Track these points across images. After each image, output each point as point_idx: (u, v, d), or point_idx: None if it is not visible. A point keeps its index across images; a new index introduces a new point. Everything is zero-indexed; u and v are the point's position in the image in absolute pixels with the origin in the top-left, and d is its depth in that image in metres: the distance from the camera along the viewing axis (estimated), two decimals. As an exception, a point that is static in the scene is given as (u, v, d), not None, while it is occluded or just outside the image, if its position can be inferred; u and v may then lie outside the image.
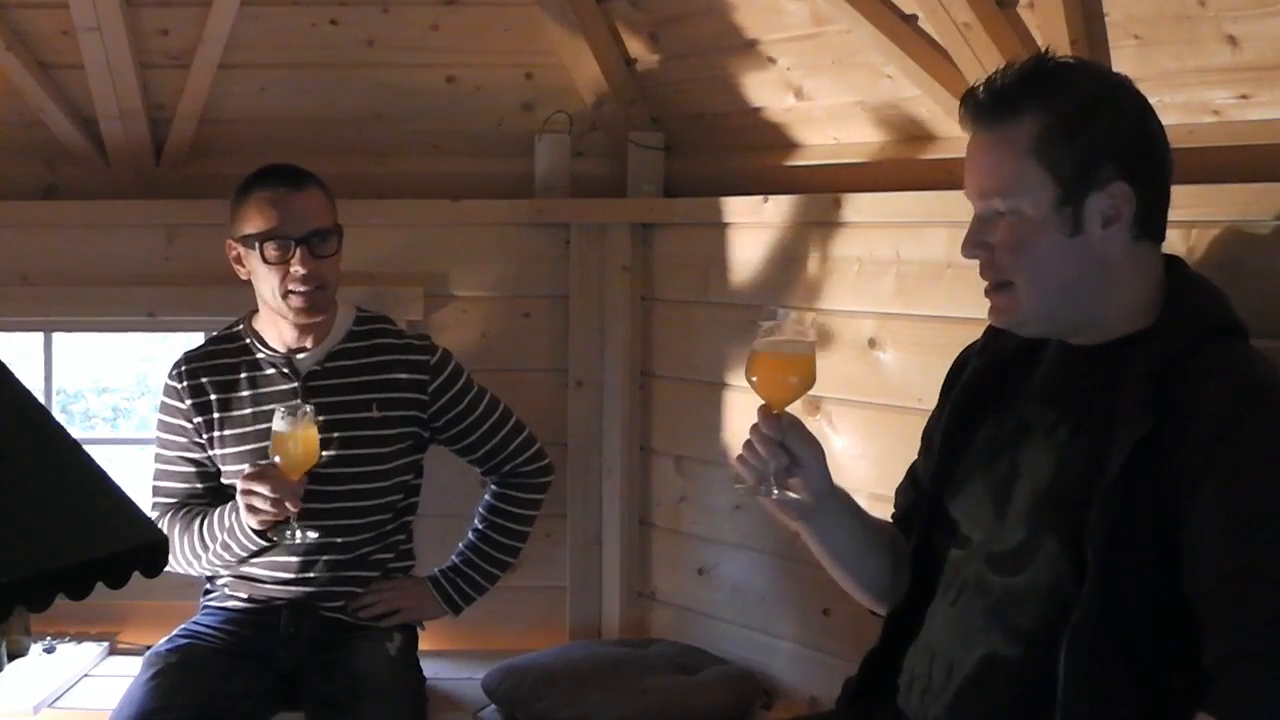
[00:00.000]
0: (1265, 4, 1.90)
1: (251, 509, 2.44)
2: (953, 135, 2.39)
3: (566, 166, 3.13)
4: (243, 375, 2.65)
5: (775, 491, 1.82)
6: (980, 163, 1.73)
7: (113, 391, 5.50)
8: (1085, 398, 1.71)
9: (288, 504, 2.42)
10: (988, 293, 1.76)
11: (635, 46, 3.01)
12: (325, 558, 2.63)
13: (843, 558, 1.95)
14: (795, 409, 1.84)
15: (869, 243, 2.57)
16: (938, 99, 2.38)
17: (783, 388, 1.82)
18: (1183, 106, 2.08)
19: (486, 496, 2.83)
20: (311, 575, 2.63)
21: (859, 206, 2.59)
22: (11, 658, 2.81)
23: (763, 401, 1.83)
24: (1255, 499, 1.52)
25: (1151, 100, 2.07)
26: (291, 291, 2.55)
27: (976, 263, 1.76)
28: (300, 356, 2.65)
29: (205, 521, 2.58)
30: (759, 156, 2.91)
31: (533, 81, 3.10)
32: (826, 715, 2.08)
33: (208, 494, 2.67)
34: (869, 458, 2.55)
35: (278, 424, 2.41)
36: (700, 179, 3.05)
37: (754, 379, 1.83)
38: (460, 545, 2.82)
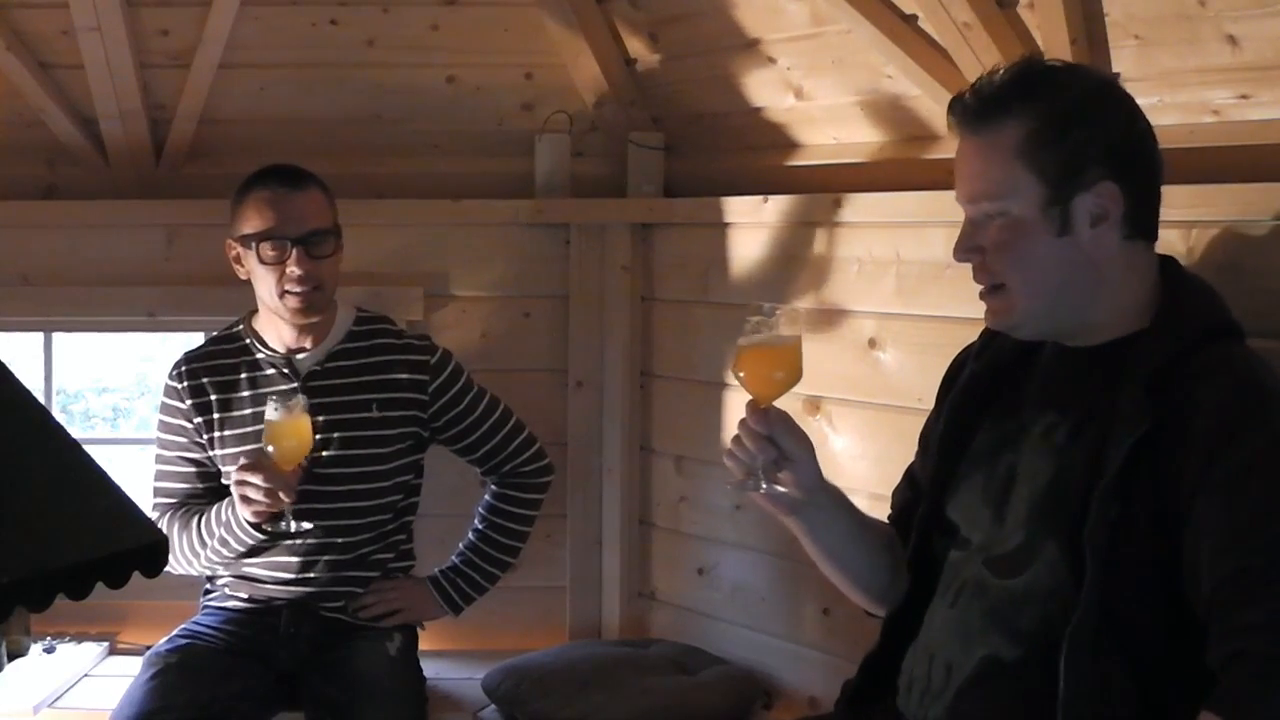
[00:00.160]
0: (1265, 4, 1.90)
1: (245, 500, 2.44)
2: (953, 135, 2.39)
3: (566, 166, 3.13)
4: (243, 375, 2.65)
5: (763, 485, 1.83)
6: (969, 167, 1.75)
7: (113, 391, 5.50)
8: (1083, 400, 1.71)
9: (281, 494, 2.42)
10: (982, 296, 1.77)
11: (635, 46, 3.01)
12: (325, 558, 2.63)
13: (835, 554, 1.96)
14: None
15: (869, 243, 2.57)
16: (938, 99, 2.38)
17: (769, 383, 1.84)
18: (1183, 106, 2.08)
19: (486, 497, 2.83)
20: (312, 575, 2.63)
21: (859, 206, 2.59)
22: (11, 658, 2.81)
23: (750, 397, 1.84)
24: (1257, 500, 1.52)
25: (1151, 100, 2.08)
26: (288, 292, 2.55)
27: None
28: (300, 356, 2.65)
29: (203, 518, 2.58)
30: (759, 156, 2.91)
31: (533, 81, 3.10)
32: (825, 718, 2.08)
33: (208, 494, 2.67)
34: (869, 458, 2.55)
35: (270, 414, 2.41)
36: (700, 179, 3.05)
37: (741, 374, 1.85)
38: (460, 545, 2.82)
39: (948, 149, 2.44)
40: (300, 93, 3.10)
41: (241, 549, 2.55)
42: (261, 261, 2.55)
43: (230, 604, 2.67)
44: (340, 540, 2.64)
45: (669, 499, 3.07)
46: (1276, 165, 1.94)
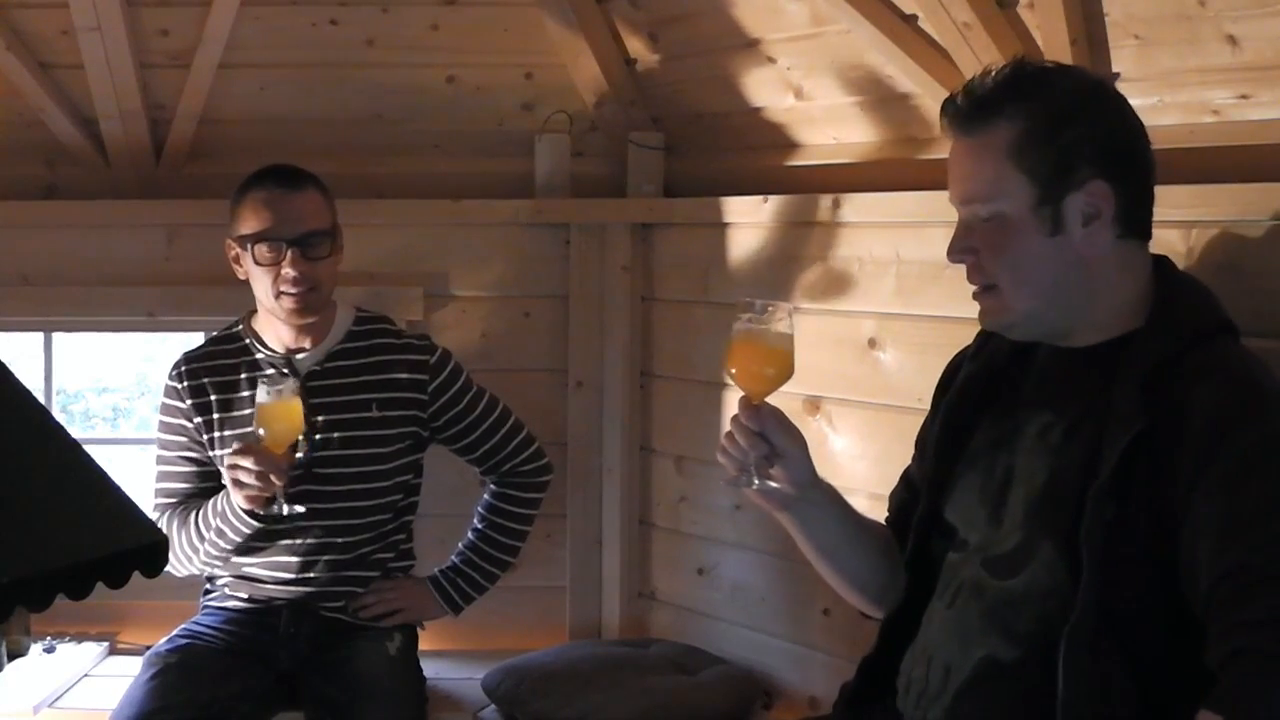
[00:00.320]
0: (1265, 4, 1.90)
1: (237, 483, 2.43)
2: (953, 135, 2.39)
3: (566, 166, 3.13)
4: (243, 375, 2.65)
5: (756, 482, 1.84)
6: (961, 168, 1.75)
7: (113, 391, 5.50)
8: (1078, 400, 1.71)
9: (273, 477, 2.41)
10: (976, 296, 1.77)
11: (635, 46, 3.01)
12: (325, 558, 2.63)
13: (829, 552, 1.96)
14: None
15: (869, 243, 2.57)
16: (938, 99, 2.36)
17: (760, 379, 1.84)
18: (1183, 106, 2.08)
19: (486, 496, 2.83)
20: (311, 575, 2.63)
21: (859, 206, 2.59)
22: (11, 658, 2.81)
23: (742, 393, 1.85)
24: (1254, 498, 1.52)
25: (1151, 100, 2.08)
26: (283, 293, 2.55)
27: None
28: (300, 356, 2.65)
29: (200, 512, 2.58)
30: (759, 156, 2.91)
31: (533, 81, 3.10)
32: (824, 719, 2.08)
33: (209, 494, 2.66)
34: (869, 458, 2.55)
35: (261, 396, 2.41)
36: (700, 179, 3.05)
37: (732, 371, 1.86)
38: (460, 545, 2.82)
39: (947, 149, 2.45)
40: (300, 93, 3.10)
41: (238, 539, 2.54)
42: (257, 262, 2.56)
43: (230, 604, 2.67)
44: (340, 540, 2.64)
45: (669, 499, 3.07)
46: (1276, 165, 1.94)
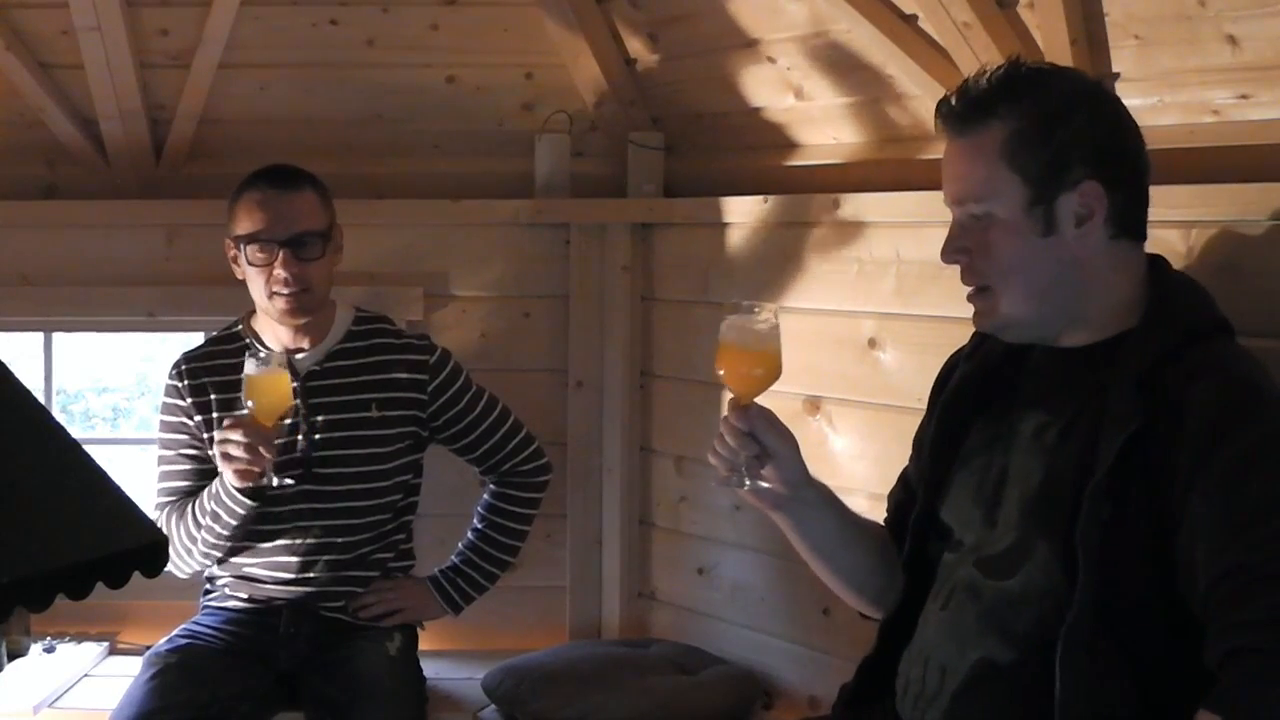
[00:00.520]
0: (1265, 4, 1.90)
1: (227, 457, 2.43)
2: (953, 135, 2.39)
3: (566, 166, 3.13)
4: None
5: (747, 482, 1.84)
6: (954, 168, 1.75)
7: (113, 391, 5.50)
8: (1073, 400, 1.71)
9: (262, 450, 2.42)
10: (970, 298, 1.77)
11: (635, 46, 3.01)
12: (325, 558, 2.63)
13: (823, 552, 1.96)
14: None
15: (869, 243, 2.57)
16: (937, 99, 2.38)
17: (749, 380, 1.85)
18: (1183, 106, 2.08)
19: (485, 496, 2.83)
20: (311, 575, 2.63)
21: (859, 206, 2.59)
22: (11, 658, 2.81)
23: (731, 394, 1.85)
24: (1250, 497, 1.52)
25: (1151, 100, 2.08)
26: (276, 293, 2.55)
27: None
28: (299, 356, 2.65)
29: (196, 501, 2.58)
30: (759, 156, 2.91)
31: (533, 81, 3.10)
32: (823, 720, 2.09)
33: (209, 492, 2.67)
34: (869, 458, 2.55)
35: (248, 368, 2.42)
36: (700, 179, 3.05)
37: (721, 372, 1.86)
38: (460, 545, 2.82)
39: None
40: (300, 93, 3.10)
41: (234, 521, 2.52)
42: (250, 263, 2.56)
43: (230, 604, 2.67)
44: (340, 540, 2.64)
45: (669, 499, 3.07)
46: (1276, 165, 1.94)
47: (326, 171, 2.68)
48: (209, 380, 2.65)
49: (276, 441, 2.48)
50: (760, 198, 2.81)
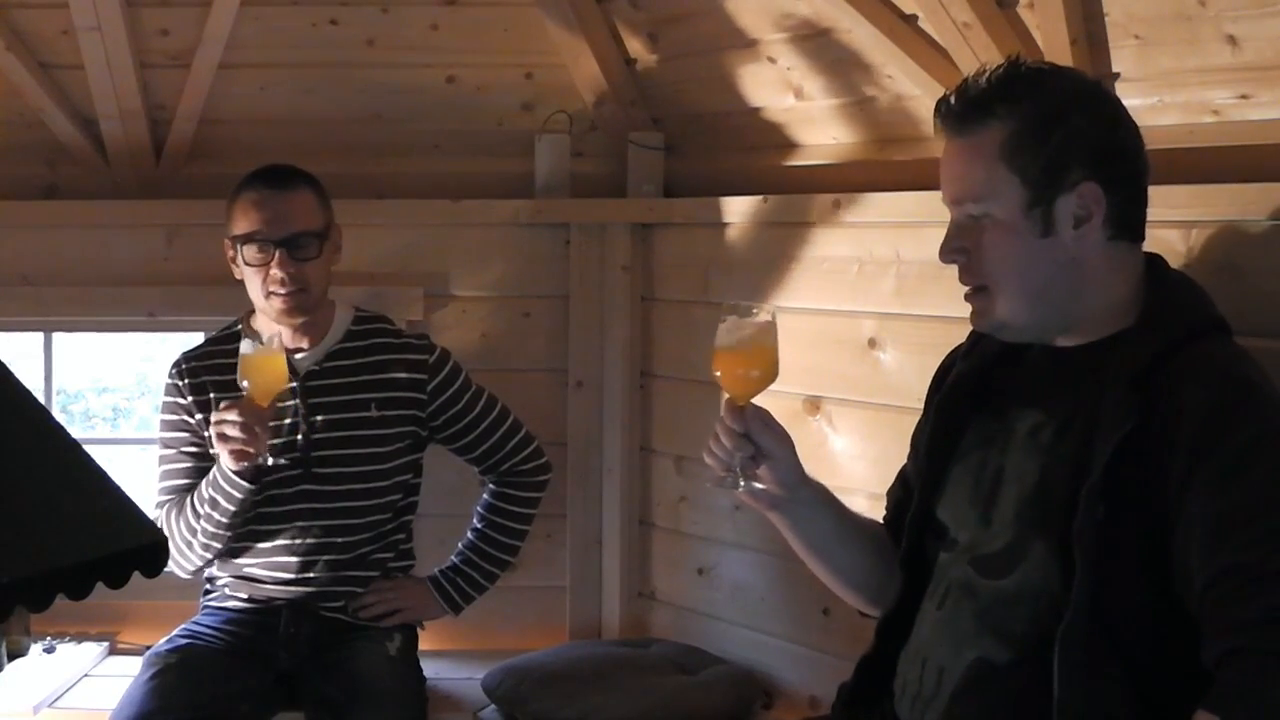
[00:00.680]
0: (1265, 4, 1.90)
1: (223, 438, 2.43)
2: (953, 135, 2.39)
3: (566, 166, 3.13)
4: (242, 375, 2.65)
5: (742, 483, 1.85)
6: (952, 169, 1.75)
7: (113, 391, 5.51)
8: (1069, 399, 1.71)
9: (257, 429, 2.42)
10: (967, 297, 1.77)
11: (635, 46, 3.01)
12: (325, 558, 2.63)
13: (820, 551, 1.97)
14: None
15: (869, 243, 2.57)
16: (937, 99, 2.38)
17: (745, 381, 1.85)
18: (1183, 106, 2.08)
19: (485, 496, 2.83)
20: (311, 575, 2.63)
21: (859, 206, 2.59)
22: (11, 658, 2.81)
23: (728, 395, 1.85)
24: (1246, 496, 1.51)
25: (1151, 100, 2.08)
26: (273, 293, 2.56)
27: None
28: (298, 356, 2.65)
29: (194, 492, 2.58)
30: (759, 156, 2.91)
31: (533, 81, 3.10)
32: (823, 720, 2.09)
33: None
34: (869, 458, 2.55)
35: (244, 349, 2.43)
36: (700, 179, 3.05)
37: (717, 373, 1.86)
38: (459, 545, 2.82)
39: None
40: (300, 93, 3.10)
41: (232, 507, 2.51)
42: (247, 263, 2.56)
43: (230, 604, 2.67)
44: (340, 540, 2.64)
45: (669, 499, 3.07)
46: (1276, 165, 1.94)
47: (326, 171, 2.68)
48: (209, 379, 2.65)
49: (273, 441, 2.48)
50: (760, 198, 2.81)
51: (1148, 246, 1.76)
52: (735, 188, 2.90)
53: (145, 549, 1.44)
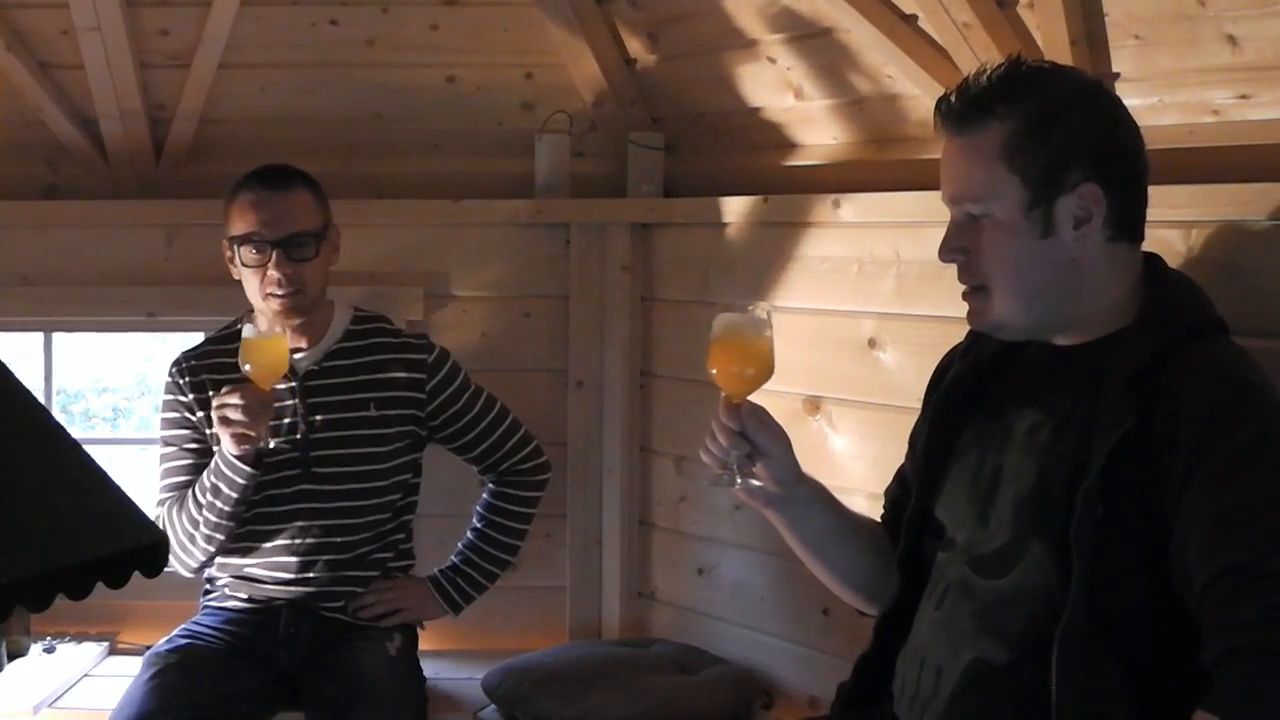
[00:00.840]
0: (1265, 4, 1.90)
1: (226, 421, 2.44)
2: (953, 135, 2.39)
3: (566, 166, 3.13)
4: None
5: (738, 480, 1.84)
6: (952, 168, 1.75)
7: (113, 391, 5.51)
8: (1066, 399, 1.71)
9: (259, 412, 2.43)
10: (965, 296, 1.77)
11: (635, 46, 3.01)
12: (325, 558, 2.63)
13: (816, 549, 1.97)
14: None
15: (869, 243, 2.57)
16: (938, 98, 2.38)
17: (740, 379, 1.85)
18: (1183, 106, 2.08)
19: (484, 495, 2.83)
20: (311, 575, 2.63)
21: (859, 206, 2.59)
22: (11, 658, 2.81)
23: (724, 393, 1.85)
24: (1245, 496, 1.51)
25: (1151, 100, 2.08)
26: (270, 294, 2.56)
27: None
28: (297, 356, 2.64)
29: (196, 483, 2.58)
30: (759, 156, 2.91)
31: (533, 81, 3.10)
32: (823, 720, 2.08)
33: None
34: (868, 458, 2.55)
35: (246, 333, 2.45)
36: (700, 179, 3.05)
37: (713, 371, 1.86)
38: (459, 545, 2.82)
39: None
40: (300, 93, 3.10)
41: (235, 494, 2.51)
42: (245, 264, 2.57)
43: (230, 604, 2.67)
44: (339, 540, 2.64)
45: (669, 499, 3.07)
46: (1276, 165, 1.94)
47: (326, 171, 2.68)
48: (208, 378, 2.65)
49: (272, 441, 2.48)
50: (760, 198, 2.81)
51: (1148, 246, 1.76)
52: (735, 188, 2.90)
53: (145, 549, 1.44)
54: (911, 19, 2.37)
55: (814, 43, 2.61)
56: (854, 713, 1.93)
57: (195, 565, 2.63)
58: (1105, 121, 1.70)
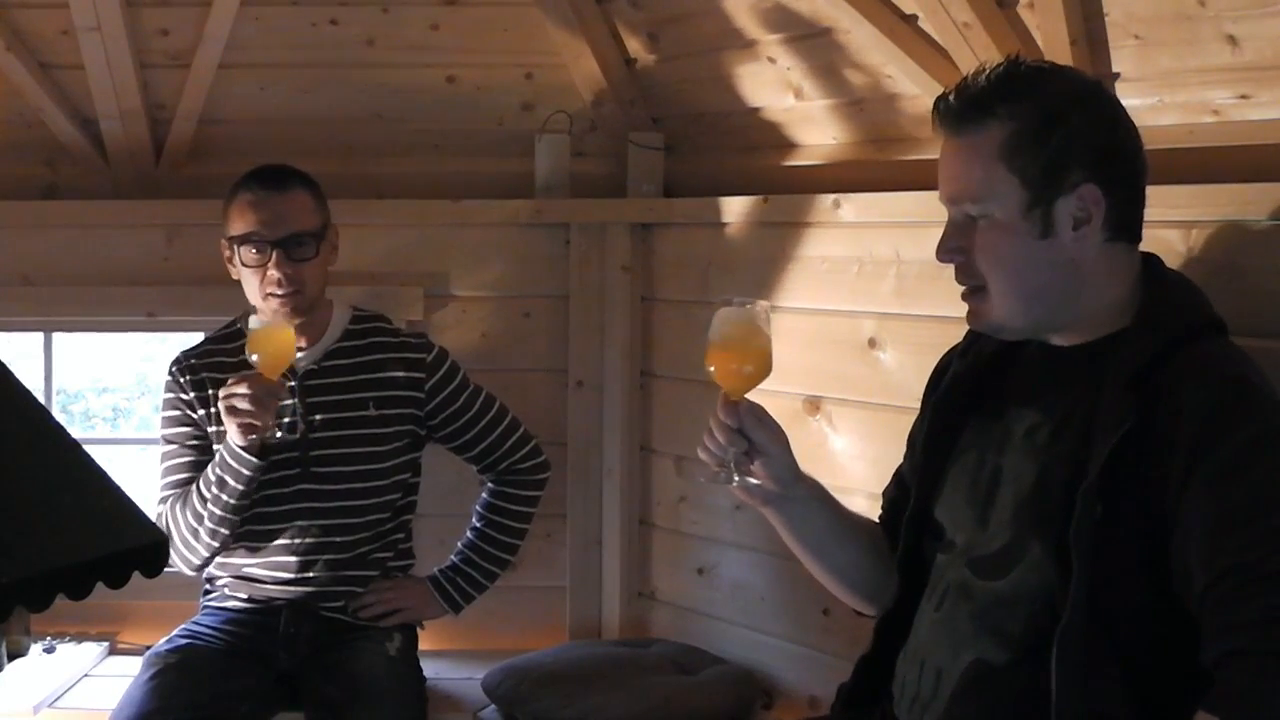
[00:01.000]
0: (1265, 4, 1.90)
1: (232, 410, 2.44)
2: (953, 135, 2.39)
3: (566, 166, 3.13)
4: (242, 373, 2.65)
5: (736, 478, 1.84)
6: (951, 168, 1.75)
7: (113, 391, 5.51)
8: (1065, 399, 1.71)
9: (266, 402, 2.44)
10: (964, 296, 1.77)
11: (635, 46, 3.01)
12: (324, 557, 2.63)
13: (814, 548, 1.96)
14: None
15: (869, 243, 2.57)
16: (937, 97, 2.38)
17: (738, 377, 1.84)
18: (1183, 106, 2.08)
19: (484, 495, 2.83)
20: (311, 575, 2.63)
21: (859, 206, 2.59)
22: (11, 658, 2.81)
23: (722, 390, 1.85)
24: (1245, 496, 1.51)
25: (1151, 100, 2.08)
26: (270, 294, 2.56)
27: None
28: (297, 356, 2.64)
29: (200, 478, 2.57)
30: (759, 156, 2.91)
31: (533, 81, 3.10)
32: (822, 720, 2.08)
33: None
34: (868, 458, 2.55)
35: (252, 324, 2.45)
36: (700, 179, 3.05)
37: (711, 368, 1.86)
38: (459, 544, 2.82)
39: (946, 149, 2.45)
40: (300, 93, 3.10)
41: (240, 485, 2.50)
42: (244, 264, 2.57)
43: (230, 604, 2.67)
44: (339, 540, 2.64)
45: (669, 499, 3.07)
46: (1276, 165, 1.94)
47: (326, 171, 2.68)
48: (208, 376, 2.65)
49: (279, 432, 2.49)
50: (760, 198, 2.81)
51: (1147, 246, 1.76)
52: (735, 188, 2.90)
53: (145, 549, 1.44)
54: (911, 19, 2.37)
55: (814, 43, 2.61)
56: (854, 713, 1.93)
57: (198, 562, 2.63)
58: (1105, 122, 1.70)
